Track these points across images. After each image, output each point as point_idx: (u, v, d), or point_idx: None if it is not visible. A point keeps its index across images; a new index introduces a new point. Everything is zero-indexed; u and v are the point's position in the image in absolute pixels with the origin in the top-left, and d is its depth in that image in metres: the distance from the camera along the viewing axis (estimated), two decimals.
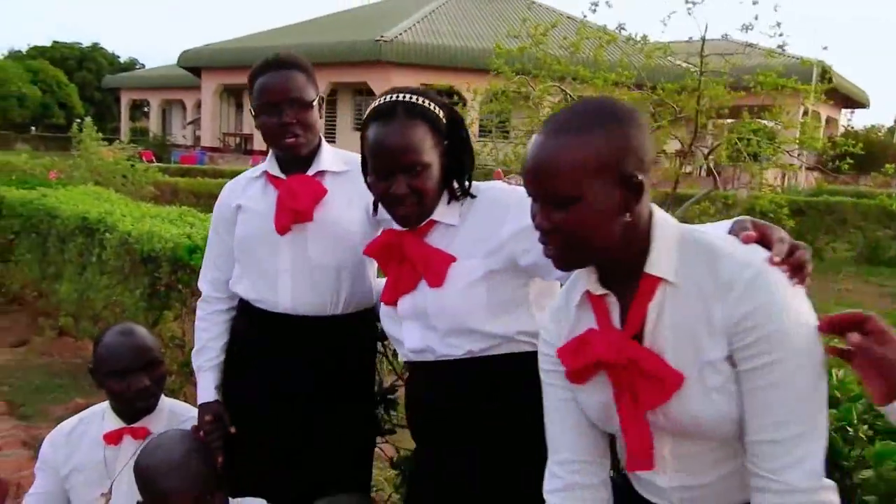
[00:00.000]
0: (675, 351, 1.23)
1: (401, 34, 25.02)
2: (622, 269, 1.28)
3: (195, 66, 31.06)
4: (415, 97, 1.67)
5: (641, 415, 1.26)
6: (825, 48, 15.27)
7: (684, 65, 7.55)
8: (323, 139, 2.13)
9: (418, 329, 1.75)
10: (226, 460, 2.14)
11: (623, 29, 7.96)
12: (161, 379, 2.15)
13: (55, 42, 52.26)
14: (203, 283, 2.27)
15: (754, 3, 7.21)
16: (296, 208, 2.00)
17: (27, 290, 6.45)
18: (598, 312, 1.31)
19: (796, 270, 1.19)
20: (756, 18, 6.99)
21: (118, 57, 56.30)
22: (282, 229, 2.01)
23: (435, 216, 1.72)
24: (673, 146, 8.32)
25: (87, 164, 8.97)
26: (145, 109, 43.48)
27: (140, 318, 3.82)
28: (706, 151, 8.21)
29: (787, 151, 7.53)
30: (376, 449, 2.32)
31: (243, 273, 2.13)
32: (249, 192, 2.14)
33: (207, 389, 2.17)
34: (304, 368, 2.08)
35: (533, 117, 8.46)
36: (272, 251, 2.05)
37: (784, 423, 1.16)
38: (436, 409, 1.77)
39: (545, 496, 1.43)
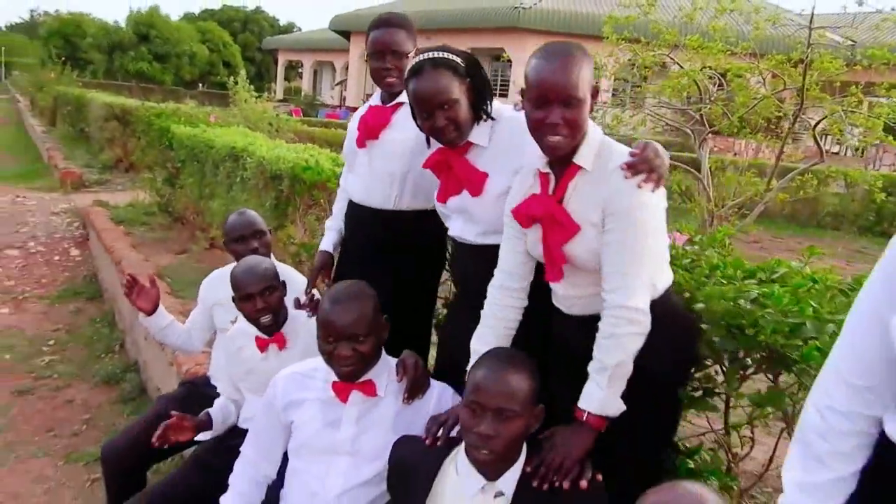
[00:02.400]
0: (577, 212, 1.82)
1: (539, 1, 24.94)
2: (565, 156, 1.83)
3: (345, 29, 31.98)
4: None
5: (557, 246, 1.86)
6: None
7: (800, 24, 7.45)
8: None
9: (461, 221, 2.27)
10: None
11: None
12: (266, 244, 2.83)
13: (224, 5, 54.59)
14: (344, 171, 2.88)
15: None
16: (366, 130, 2.59)
17: (188, 210, 7.47)
18: (542, 183, 1.92)
19: (649, 172, 1.74)
20: None
21: (278, 20, 58.07)
22: (359, 144, 2.62)
23: (471, 138, 2.17)
24: (812, 124, 8.16)
25: (241, 112, 10.07)
26: (299, 70, 44.97)
27: (269, 224, 4.74)
28: (812, 124, 8.17)
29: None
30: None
31: (347, 170, 2.80)
32: (360, 115, 2.69)
33: (325, 243, 2.78)
34: (377, 253, 2.60)
35: (645, 88, 8.67)
36: (355, 157, 2.68)
37: (620, 262, 1.75)
38: (466, 272, 2.33)
39: (488, 288, 2.05)
